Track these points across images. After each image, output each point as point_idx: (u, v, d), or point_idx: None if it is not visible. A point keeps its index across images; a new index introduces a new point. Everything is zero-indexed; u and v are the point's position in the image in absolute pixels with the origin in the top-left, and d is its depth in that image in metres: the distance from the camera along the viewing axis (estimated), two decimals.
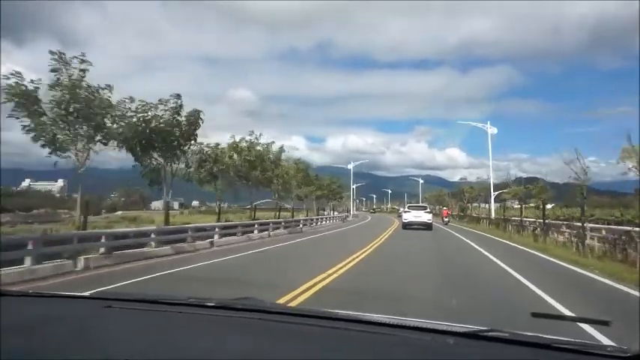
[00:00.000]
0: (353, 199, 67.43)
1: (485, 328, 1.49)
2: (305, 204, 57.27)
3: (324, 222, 43.69)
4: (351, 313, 1.78)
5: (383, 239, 23.23)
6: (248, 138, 32.32)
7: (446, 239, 24.97)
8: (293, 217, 39.78)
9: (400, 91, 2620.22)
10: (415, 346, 1.45)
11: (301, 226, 32.65)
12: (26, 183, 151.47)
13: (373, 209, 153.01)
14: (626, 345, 1.50)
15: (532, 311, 1.82)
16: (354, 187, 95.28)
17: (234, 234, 21.07)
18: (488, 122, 45.66)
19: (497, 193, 44.29)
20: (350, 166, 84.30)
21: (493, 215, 40.86)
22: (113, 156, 22.41)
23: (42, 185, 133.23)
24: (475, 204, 58.21)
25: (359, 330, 1.56)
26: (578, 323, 4.92)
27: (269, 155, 34.08)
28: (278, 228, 27.48)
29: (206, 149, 28.71)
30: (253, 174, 32.45)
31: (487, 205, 42.14)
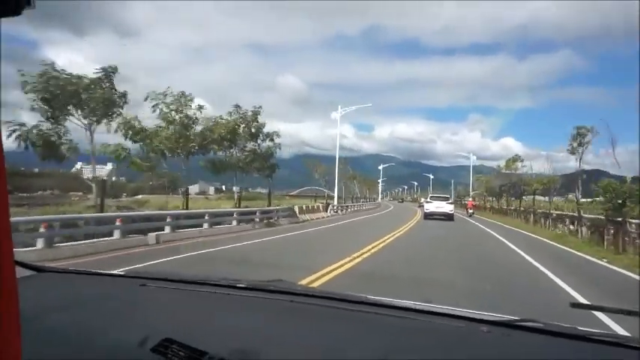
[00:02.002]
0: (381, 190, 71.50)
1: (518, 318, 1.49)
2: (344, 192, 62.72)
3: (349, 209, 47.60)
4: (381, 298, 1.78)
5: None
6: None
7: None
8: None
9: (452, 78, 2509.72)
10: (446, 333, 1.45)
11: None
12: (78, 166, 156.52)
13: (401, 199, 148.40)
14: None
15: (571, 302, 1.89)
16: (381, 181, 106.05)
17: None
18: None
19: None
20: (380, 167, 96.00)
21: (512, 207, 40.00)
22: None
23: (95, 168, 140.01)
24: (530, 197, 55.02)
25: (389, 315, 1.59)
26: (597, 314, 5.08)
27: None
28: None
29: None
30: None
31: (545, 198, 39.02)
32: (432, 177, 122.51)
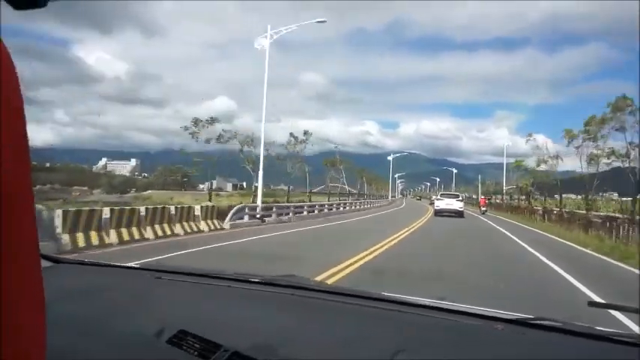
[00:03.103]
0: (391, 187, 70.37)
1: (534, 316, 1.48)
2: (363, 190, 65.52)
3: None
4: (394, 295, 1.79)
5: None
6: None
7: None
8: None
9: (477, 73, 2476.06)
10: (461, 331, 1.45)
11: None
12: (103, 162, 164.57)
13: (419, 197, 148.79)
14: None
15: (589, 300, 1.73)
16: (397, 176, 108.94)
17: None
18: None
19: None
20: (390, 157, 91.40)
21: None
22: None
23: (117, 164, 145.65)
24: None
25: (402, 311, 1.59)
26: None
27: None
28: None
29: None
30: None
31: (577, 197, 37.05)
32: (455, 171, 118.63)
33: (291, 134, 35.79)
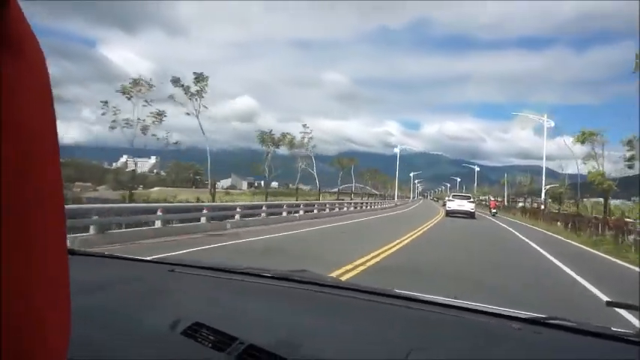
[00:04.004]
0: (397, 186, 67.96)
1: (549, 316, 1.48)
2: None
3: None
4: (408, 292, 1.77)
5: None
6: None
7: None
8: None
9: (502, 73, 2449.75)
10: (476, 329, 1.45)
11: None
12: (124, 159, 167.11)
13: (437, 198, 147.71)
14: None
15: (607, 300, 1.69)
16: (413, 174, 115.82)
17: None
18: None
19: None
20: (396, 149, 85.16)
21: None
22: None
23: (138, 161, 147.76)
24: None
25: (415, 308, 1.59)
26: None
27: None
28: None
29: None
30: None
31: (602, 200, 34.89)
32: (477, 168, 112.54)
33: (304, 126, 36.59)
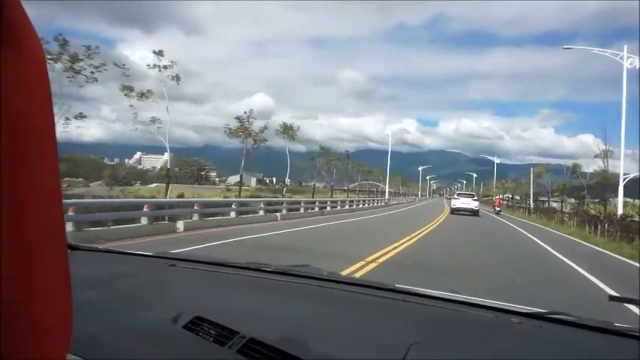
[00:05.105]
0: (388, 180, 61.50)
1: (550, 310, 1.48)
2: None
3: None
4: (409, 287, 1.78)
5: None
6: None
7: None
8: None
9: (522, 69, 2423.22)
10: (477, 323, 1.45)
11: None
12: (137, 155, 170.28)
13: (449, 196, 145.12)
14: None
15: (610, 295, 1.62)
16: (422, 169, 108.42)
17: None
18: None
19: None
20: (389, 133, 71.60)
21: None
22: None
23: (151, 158, 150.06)
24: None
25: (417, 303, 1.60)
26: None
27: None
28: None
29: None
30: None
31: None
32: (497, 161, 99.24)
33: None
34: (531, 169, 60.45)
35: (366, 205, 36.85)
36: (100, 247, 2.59)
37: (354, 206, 32.34)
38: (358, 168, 63.13)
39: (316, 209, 25.94)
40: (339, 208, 29.69)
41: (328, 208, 27.99)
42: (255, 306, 1.56)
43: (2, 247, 0.37)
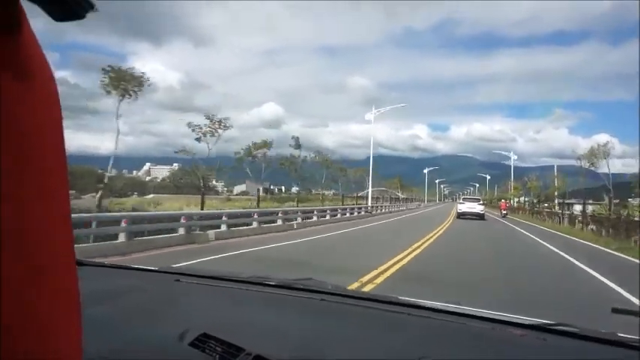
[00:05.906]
0: (370, 186, 57.39)
1: (554, 322, 1.47)
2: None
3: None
4: (412, 299, 1.79)
5: None
6: None
7: None
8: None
9: (533, 70, 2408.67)
10: (480, 336, 1.46)
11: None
12: (146, 167, 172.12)
13: (462, 201, 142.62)
14: None
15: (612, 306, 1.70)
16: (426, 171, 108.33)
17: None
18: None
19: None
20: (372, 118, 73.91)
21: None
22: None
23: (160, 169, 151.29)
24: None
25: (420, 315, 1.61)
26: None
27: None
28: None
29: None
30: None
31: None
32: (515, 157, 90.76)
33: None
34: (555, 166, 56.41)
35: (347, 215, 30.31)
36: (106, 262, 2.61)
37: (338, 215, 28.65)
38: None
39: (327, 217, 26.85)
40: (339, 216, 29.31)
41: (338, 215, 28.89)
42: (260, 321, 1.57)
43: (10, 268, 0.37)
